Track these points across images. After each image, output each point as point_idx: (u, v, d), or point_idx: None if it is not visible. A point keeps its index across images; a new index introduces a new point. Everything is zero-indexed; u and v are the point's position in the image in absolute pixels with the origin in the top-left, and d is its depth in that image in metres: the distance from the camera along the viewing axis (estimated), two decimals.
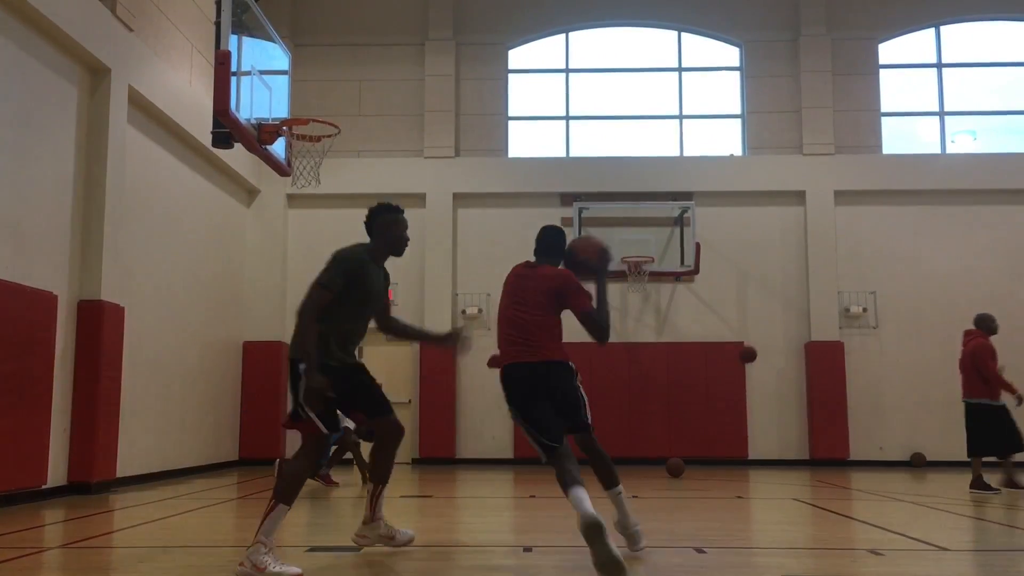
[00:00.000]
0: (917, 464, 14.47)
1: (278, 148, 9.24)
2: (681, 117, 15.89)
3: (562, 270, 5.38)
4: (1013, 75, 15.94)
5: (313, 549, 5.58)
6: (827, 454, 14.55)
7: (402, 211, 5.36)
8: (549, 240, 5.49)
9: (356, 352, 5.28)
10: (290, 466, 5.01)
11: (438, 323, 14.72)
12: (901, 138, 15.72)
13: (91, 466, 9.32)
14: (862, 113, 15.56)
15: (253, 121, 8.56)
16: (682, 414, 14.76)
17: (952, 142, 15.79)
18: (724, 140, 15.84)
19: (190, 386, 12.49)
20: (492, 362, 5.56)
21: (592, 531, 4.40)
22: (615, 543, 4.44)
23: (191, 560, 5.32)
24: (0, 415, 7.96)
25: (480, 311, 14.91)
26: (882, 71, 15.78)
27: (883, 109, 15.67)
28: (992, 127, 15.92)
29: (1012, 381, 10.04)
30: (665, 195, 15.07)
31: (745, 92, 15.78)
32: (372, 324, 5.39)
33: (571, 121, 16.00)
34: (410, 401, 14.64)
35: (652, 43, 16.20)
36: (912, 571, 4.91)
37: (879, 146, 15.53)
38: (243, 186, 14.69)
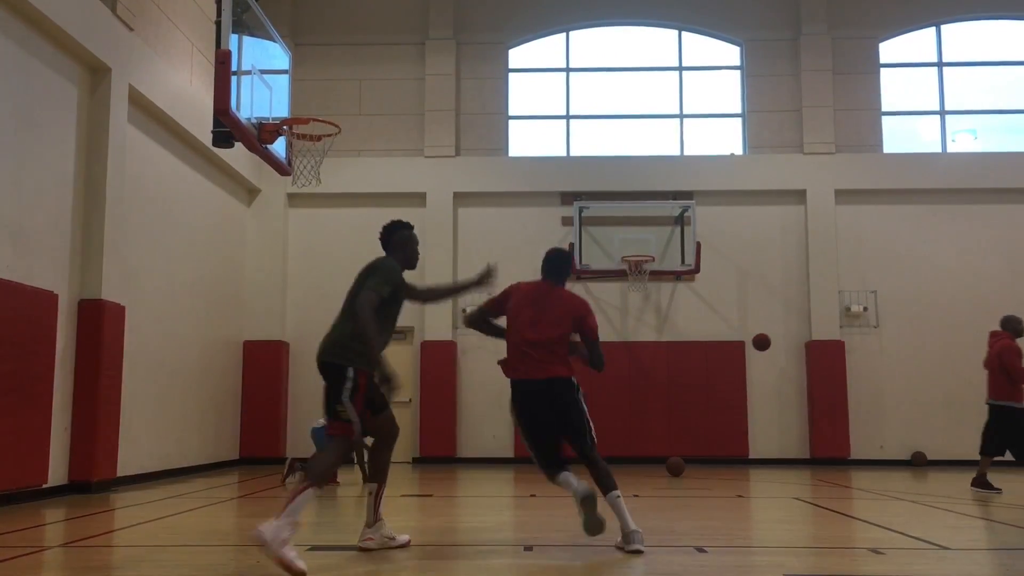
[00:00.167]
0: (918, 463, 14.47)
1: (278, 147, 9.24)
2: (682, 116, 15.89)
3: (578, 296, 6.00)
4: (1014, 74, 15.93)
5: (315, 548, 5.58)
6: (828, 453, 14.55)
7: (413, 227, 5.86)
8: (559, 264, 5.98)
9: None
10: (320, 460, 5.27)
11: (438, 323, 14.75)
12: (902, 137, 15.71)
13: (92, 465, 9.32)
14: (863, 112, 15.56)
15: (253, 120, 8.56)
16: (683, 413, 14.75)
17: (953, 141, 15.79)
18: (725, 139, 15.84)
19: (191, 385, 12.50)
20: (503, 365, 5.81)
21: (588, 500, 5.30)
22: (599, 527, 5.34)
23: (191, 559, 5.32)
24: (1, 414, 7.96)
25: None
26: (883, 70, 15.77)
27: (884, 108, 15.66)
28: (993, 126, 15.92)
29: None
30: (666, 194, 15.07)
31: (746, 91, 15.77)
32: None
33: (571, 120, 16.00)
34: (410, 400, 14.64)
35: (652, 42, 16.20)
36: (913, 570, 4.91)
37: (880, 145, 15.53)
38: (243, 185, 14.69)
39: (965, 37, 15.95)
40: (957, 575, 4.84)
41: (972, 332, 14.80)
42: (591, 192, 15.02)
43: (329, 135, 9.20)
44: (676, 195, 15.04)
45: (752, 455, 14.72)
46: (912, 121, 15.95)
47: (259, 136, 8.64)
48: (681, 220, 14.84)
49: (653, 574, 4.84)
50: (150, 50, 10.98)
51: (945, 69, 15.81)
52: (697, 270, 14.50)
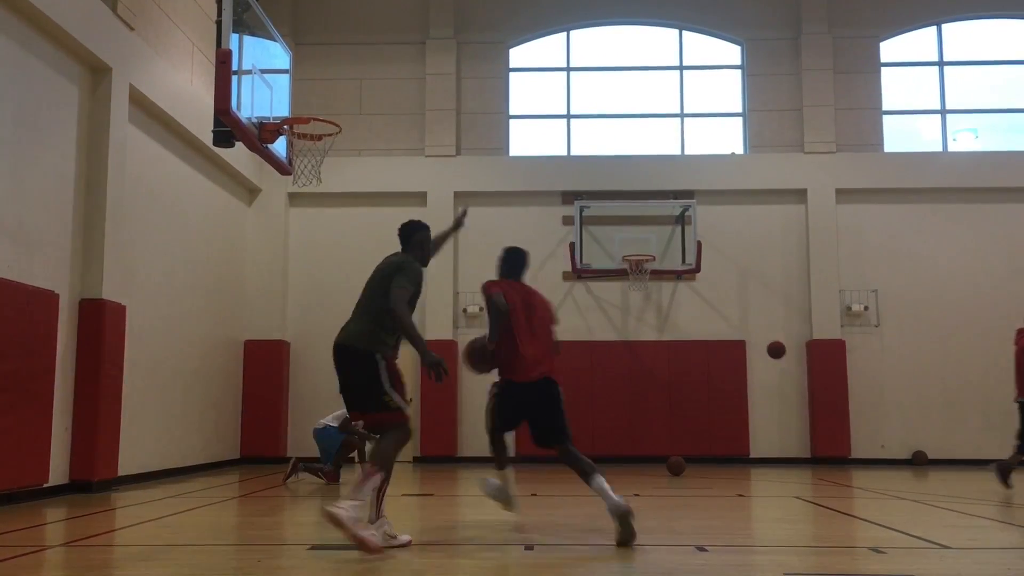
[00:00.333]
0: (919, 462, 14.46)
1: (279, 147, 9.24)
2: (682, 115, 15.88)
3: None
4: (1014, 73, 15.92)
5: (316, 547, 5.58)
6: (828, 452, 14.54)
7: (429, 228, 6.18)
8: (523, 262, 6.47)
9: None
10: (384, 442, 5.48)
11: (439, 322, 14.74)
12: (902, 136, 15.70)
13: (93, 465, 9.33)
14: (863, 111, 15.55)
15: (254, 120, 8.56)
16: (683, 412, 14.75)
17: (954, 140, 15.78)
18: (725, 138, 15.84)
19: (191, 384, 12.50)
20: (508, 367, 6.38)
21: (628, 516, 5.46)
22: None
23: (192, 559, 5.32)
24: (2, 414, 7.96)
25: (481, 309, 14.89)
26: (883, 69, 15.77)
27: (884, 107, 15.65)
28: (993, 125, 15.91)
29: None
30: (666, 193, 15.07)
31: (746, 90, 15.77)
32: None
33: (572, 120, 16.00)
34: (411, 400, 14.60)
35: (653, 41, 16.19)
36: (914, 569, 4.90)
37: (880, 144, 15.52)
38: (244, 185, 14.69)
39: (966, 36, 15.94)
40: (958, 574, 4.83)
41: (973, 331, 14.87)
42: (592, 191, 15.02)
43: (330, 134, 9.20)
44: (677, 194, 15.04)
45: (753, 454, 14.72)
46: (913, 120, 15.94)
47: (260, 136, 8.63)
48: (682, 219, 14.84)
49: (654, 573, 4.84)
50: (151, 50, 10.98)
51: (946, 68, 15.80)
52: (698, 269, 14.50)
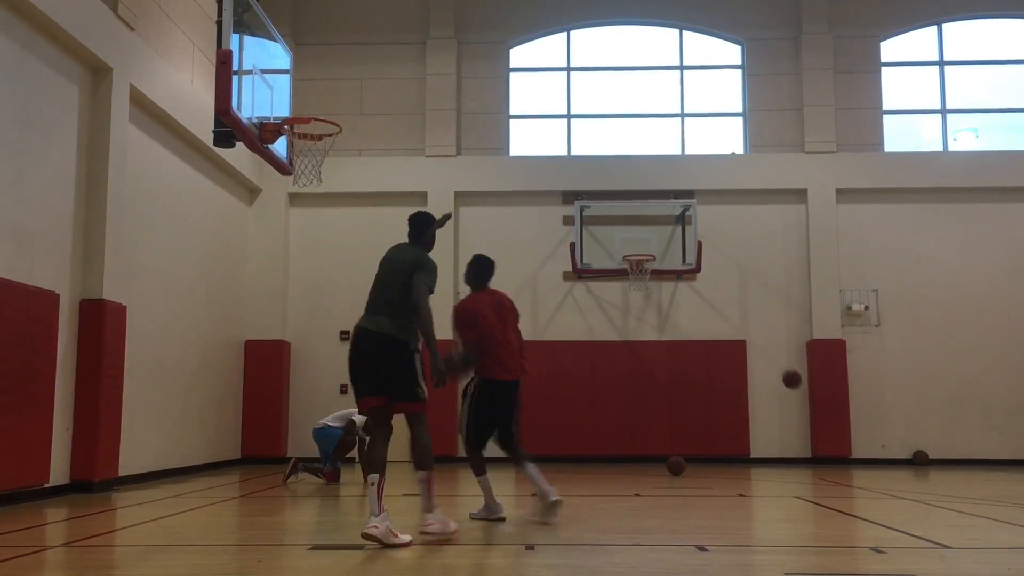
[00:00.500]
0: (919, 462, 14.46)
1: (279, 147, 9.25)
2: (683, 115, 15.88)
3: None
4: (1015, 73, 15.91)
5: (316, 547, 5.59)
6: (829, 452, 14.54)
7: None
8: (490, 270, 7.05)
9: None
10: (423, 442, 5.98)
11: (438, 323, 14.66)
12: (903, 136, 15.70)
13: (93, 465, 9.33)
14: (864, 111, 15.55)
15: (255, 120, 8.57)
16: (684, 412, 14.75)
17: (954, 140, 15.78)
18: (726, 138, 15.83)
19: (192, 385, 12.50)
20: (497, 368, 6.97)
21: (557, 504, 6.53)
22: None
23: (193, 559, 5.32)
24: (2, 414, 7.97)
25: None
26: (884, 69, 15.76)
27: (885, 107, 15.65)
28: (994, 125, 15.90)
29: None
30: (667, 193, 15.07)
31: (747, 90, 15.76)
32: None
33: (572, 119, 16.00)
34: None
35: (653, 41, 16.19)
36: (914, 569, 4.91)
37: (881, 144, 15.52)
38: (245, 185, 14.69)
39: (966, 36, 15.93)
40: (958, 574, 4.84)
41: (974, 331, 14.87)
42: (592, 191, 15.01)
43: (330, 135, 9.21)
44: (677, 194, 15.04)
45: (753, 454, 14.72)
46: (913, 120, 15.93)
47: (260, 136, 8.64)
48: (682, 219, 14.84)
49: (654, 573, 4.84)
50: (151, 50, 10.98)
51: (946, 68, 15.80)
52: (698, 269, 14.50)
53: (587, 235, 14.51)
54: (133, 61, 10.37)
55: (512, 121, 15.89)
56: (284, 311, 15.05)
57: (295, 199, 15.25)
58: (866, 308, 14.97)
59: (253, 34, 8.86)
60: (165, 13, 11.60)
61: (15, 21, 8.52)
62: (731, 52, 16.07)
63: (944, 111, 15.70)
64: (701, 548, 5.54)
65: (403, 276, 5.81)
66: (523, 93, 16.07)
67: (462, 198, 15.36)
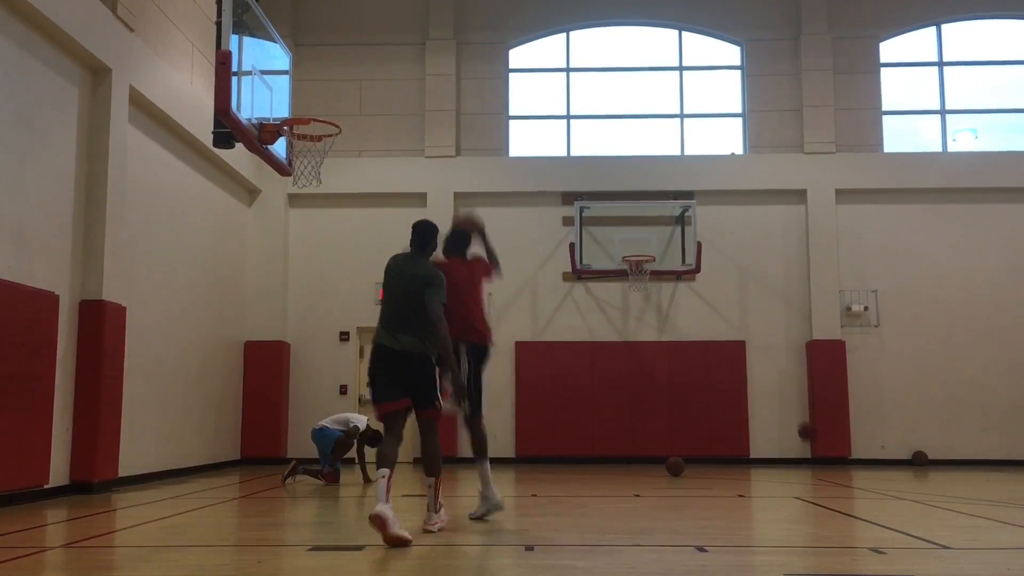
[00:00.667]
0: (919, 462, 14.46)
1: (279, 148, 9.24)
2: (682, 116, 15.88)
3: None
4: (1014, 73, 15.92)
5: (315, 548, 5.59)
6: (829, 452, 14.54)
7: None
8: (466, 240, 7.79)
9: None
10: (435, 449, 6.28)
11: None
12: (902, 136, 15.70)
13: (93, 466, 9.33)
14: (863, 111, 15.56)
15: (254, 121, 8.57)
16: (683, 413, 14.75)
17: (953, 140, 15.79)
18: (725, 139, 15.84)
19: (192, 386, 12.50)
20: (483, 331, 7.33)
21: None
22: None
23: (193, 560, 5.32)
24: (2, 415, 7.97)
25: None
26: (883, 69, 15.77)
27: (884, 107, 15.66)
28: (993, 125, 15.91)
29: None
30: (666, 194, 15.07)
31: (746, 91, 15.77)
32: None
33: (572, 120, 16.00)
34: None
35: (653, 42, 16.20)
36: (914, 569, 4.91)
37: (880, 144, 15.53)
38: (244, 186, 14.69)
39: (966, 36, 15.94)
40: (958, 574, 4.84)
41: (973, 331, 14.88)
42: (592, 192, 15.01)
43: (330, 135, 9.21)
44: (677, 195, 15.04)
45: (753, 455, 14.72)
46: (913, 120, 15.94)
47: (260, 136, 8.64)
48: (682, 220, 14.84)
49: (654, 573, 4.85)
50: (150, 51, 10.98)
51: (946, 68, 15.81)
52: (698, 270, 14.50)
53: (587, 236, 14.52)
54: (132, 62, 10.37)
55: (511, 122, 15.89)
56: (284, 312, 15.05)
57: (295, 200, 15.25)
58: (865, 309, 14.98)
59: (252, 35, 8.86)
60: (164, 14, 11.60)
61: (14, 22, 8.52)
62: (730, 53, 16.08)
63: (943, 111, 15.71)
64: (701, 548, 5.54)
65: (417, 296, 6.12)
66: (522, 94, 16.07)
67: (462, 199, 15.34)
